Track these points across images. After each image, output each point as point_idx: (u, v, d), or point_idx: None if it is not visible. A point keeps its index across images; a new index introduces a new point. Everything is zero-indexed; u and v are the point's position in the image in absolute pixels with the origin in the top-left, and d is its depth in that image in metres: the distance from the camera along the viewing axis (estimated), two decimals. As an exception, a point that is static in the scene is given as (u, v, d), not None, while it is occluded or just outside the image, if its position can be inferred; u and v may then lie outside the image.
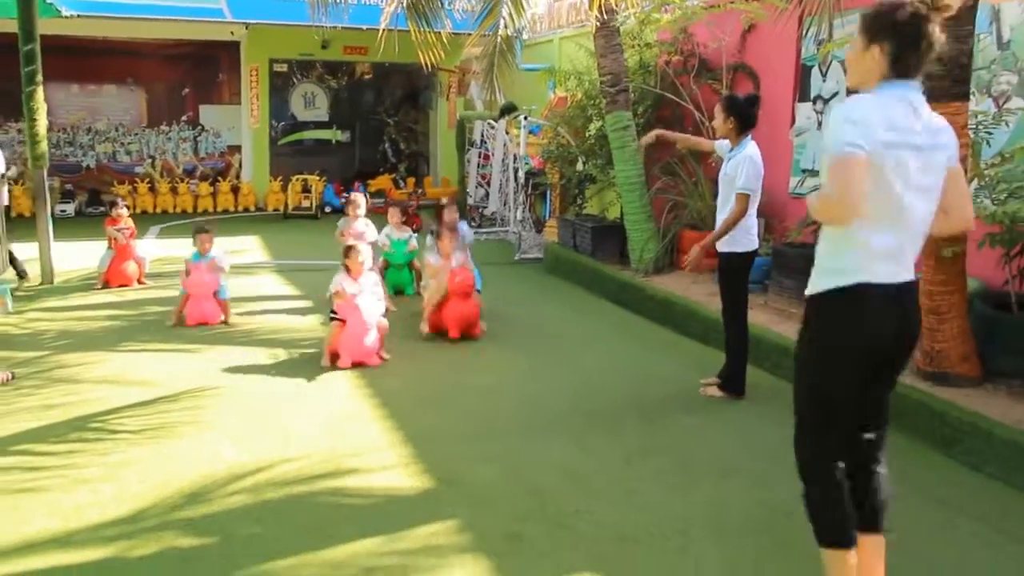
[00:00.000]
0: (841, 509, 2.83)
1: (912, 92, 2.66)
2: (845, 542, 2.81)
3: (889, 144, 2.57)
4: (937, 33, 2.61)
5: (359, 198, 8.31)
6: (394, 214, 8.17)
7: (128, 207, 9.02)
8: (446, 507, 3.87)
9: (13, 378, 5.55)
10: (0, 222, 8.67)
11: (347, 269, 6.04)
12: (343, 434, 4.73)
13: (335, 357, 5.95)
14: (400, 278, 8.24)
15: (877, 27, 2.65)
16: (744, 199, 5.17)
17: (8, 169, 8.87)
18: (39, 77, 8.44)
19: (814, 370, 2.88)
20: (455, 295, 6.59)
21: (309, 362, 6.06)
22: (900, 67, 2.63)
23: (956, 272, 5.12)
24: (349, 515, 3.80)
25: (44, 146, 8.60)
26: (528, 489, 4.07)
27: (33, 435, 4.67)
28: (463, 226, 7.51)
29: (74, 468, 4.24)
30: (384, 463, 4.34)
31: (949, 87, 4.83)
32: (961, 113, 4.89)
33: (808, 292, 2.87)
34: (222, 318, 7.14)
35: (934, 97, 4.84)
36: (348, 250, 6.11)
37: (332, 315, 6.05)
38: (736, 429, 4.93)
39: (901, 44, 2.61)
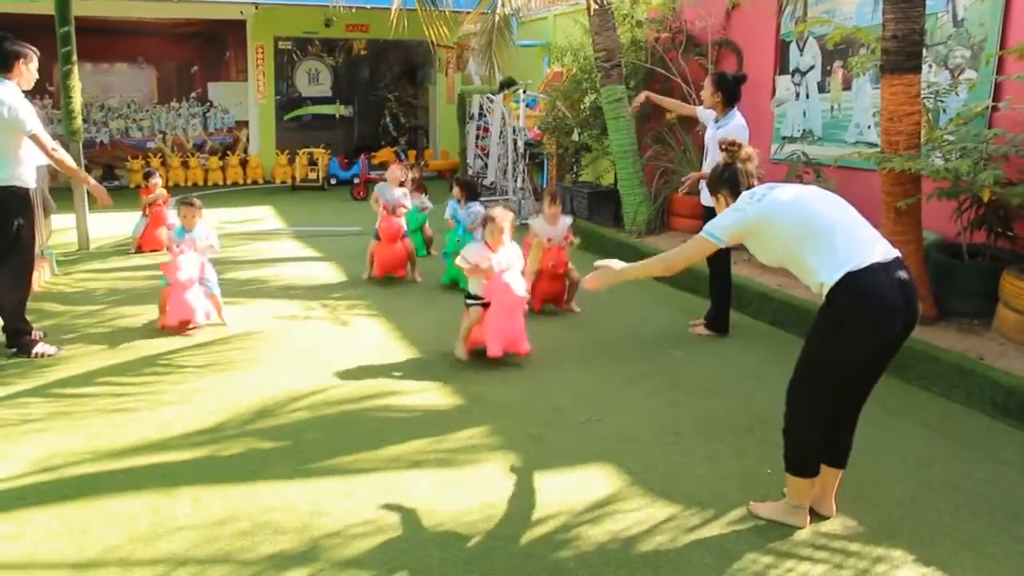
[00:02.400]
0: (815, 451, 3.45)
1: (760, 187, 3.54)
2: (810, 474, 3.47)
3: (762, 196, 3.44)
4: (747, 166, 3.65)
5: (396, 167, 8.29)
6: (408, 182, 8.75)
7: (162, 176, 9.73)
8: (477, 418, 4.63)
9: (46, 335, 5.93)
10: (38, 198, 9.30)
11: (485, 242, 5.53)
12: (381, 365, 5.48)
13: (475, 344, 5.49)
14: (412, 242, 8.55)
15: (715, 185, 3.72)
16: None
17: None
18: (75, 57, 9.07)
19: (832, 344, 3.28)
20: (547, 275, 6.53)
21: (339, 309, 6.82)
22: (739, 191, 3.58)
23: (912, 223, 5.85)
24: (396, 425, 4.55)
25: (79, 121, 9.24)
26: (545, 404, 4.82)
27: (112, 370, 5.39)
28: (476, 204, 7.68)
29: (155, 395, 4.97)
30: (420, 386, 5.10)
31: (903, 61, 5.53)
32: (914, 84, 5.61)
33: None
34: (211, 316, 6.28)
35: (890, 70, 5.62)
36: (487, 221, 5.56)
37: (470, 299, 5.51)
38: (721, 359, 5.69)
39: (731, 185, 3.64)
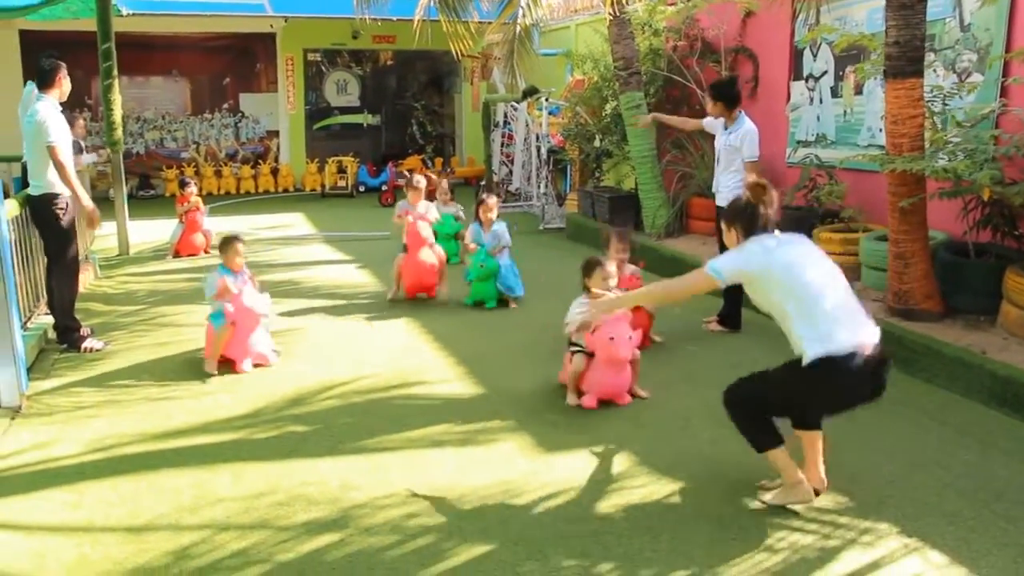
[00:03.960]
0: (767, 428, 3.71)
1: (769, 238, 3.71)
2: (775, 444, 3.72)
3: (771, 248, 3.66)
4: (767, 210, 3.73)
5: (421, 180, 7.81)
6: (443, 191, 8.97)
7: (196, 185, 10.15)
8: (495, 405, 4.94)
9: (92, 332, 6.28)
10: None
11: (587, 290, 5.04)
12: (407, 359, 5.80)
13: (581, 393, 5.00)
14: (447, 248, 8.29)
15: (732, 218, 3.85)
16: (756, 165, 6.22)
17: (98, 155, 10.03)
18: (115, 71, 9.50)
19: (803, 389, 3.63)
20: None
21: (367, 309, 7.17)
22: (751, 231, 3.74)
23: (917, 222, 6.05)
24: (419, 411, 4.87)
25: (120, 132, 9.68)
26: (560, 394, 5.10)
27: (156, 364, 5.76)
28: (501, 227, 7.28)
29: (196, 384, 5.33)
30: (443, 378, 5.41)
31: (905, 66, 5.77)
32: (916, 88, 5.83)
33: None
34: (274, 350, 5.80)
35: (893, 75, 5.85)
36: (590, 268, 5.03)
37: (575, 348, 4.98)
38: (731, 353, 5.94)
39: (746, 223, 3.75)
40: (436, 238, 7.74)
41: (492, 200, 7.33)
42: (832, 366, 3.46)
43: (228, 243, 5.71)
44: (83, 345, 5.99)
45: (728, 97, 6.24)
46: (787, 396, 3.67)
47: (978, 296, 6.13)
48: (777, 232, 3.76)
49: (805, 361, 3.53)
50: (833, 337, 3.47)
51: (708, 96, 6.33)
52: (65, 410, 4.89)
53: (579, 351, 4.93)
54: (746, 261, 3.68)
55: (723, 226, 3.94)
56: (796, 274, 3.59)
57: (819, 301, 3.54)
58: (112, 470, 4.08)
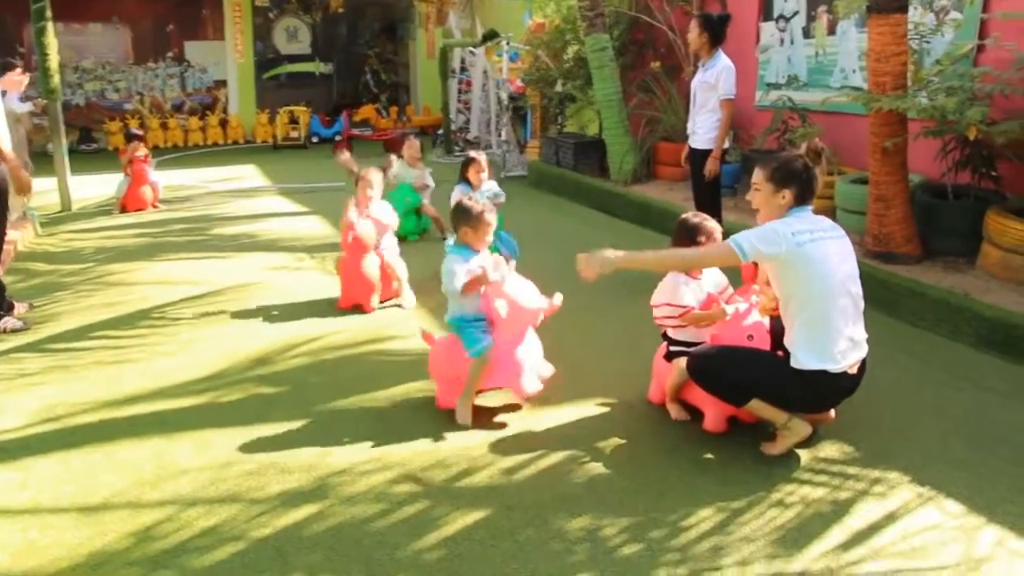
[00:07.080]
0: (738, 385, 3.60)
1: (807, 212, 3.52)
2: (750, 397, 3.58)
3: (803, 242, 3.39)
4: (817, 173, 3.52)
5: (375, 176, 5.79)
6: (411, 147, 7.70)
7: (142, 136, 9.65)
8: (475, 361, 4.66)
9: (32, 308, 5.72)
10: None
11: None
12: (376, 313, 5.50)
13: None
14: (405, 225, 7.15)
15: (782, 177, 3.50)
16: (731, 103, 5.97)
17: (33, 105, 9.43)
18: (48, 13, 8.90)
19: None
20: None
21: (328, 261, 6.76)
22: (800, 200, 3.50)
23: (898, 164, 5.89)
24: (392, 368, 4.59)
25: (56, 80, 9.10)
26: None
27: (107, 324, 5.39)
28: (494, 184, 6.38)
29: (151, 346, 4.97)
30: (414, 331, 5.10)
31: (890, 1, 5.54)
32: (901, 24, 5.62)
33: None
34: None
35: (877, 10, 5.62)
36: (695, 231, 4.01)
37: (675, 345, 3.99)
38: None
39: (801, 188, 3.49)
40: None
41: (483, 158, 6.35)
42: (821, 377, 3.41)
43: (478, 215, 4.01)
44: None
45: (715, 32, 5.97)
46: (766, 385, 3.52)
47: (956, 238, 6.02)
48: (812, 213, 3.53)
49: (795, 364, 3.42)
50: (832, 357, 3.38)
51: (695, 24, 6.02)
52: (6, 377, 4.50)
53: (685, 352, 3.84)
54: (775, 247, 3.37)
55: (769, 186, 3.51)
56: (822, 273, 3.37)
57: (833, 316, 3.38)
58: (62, 443, 3.74)
